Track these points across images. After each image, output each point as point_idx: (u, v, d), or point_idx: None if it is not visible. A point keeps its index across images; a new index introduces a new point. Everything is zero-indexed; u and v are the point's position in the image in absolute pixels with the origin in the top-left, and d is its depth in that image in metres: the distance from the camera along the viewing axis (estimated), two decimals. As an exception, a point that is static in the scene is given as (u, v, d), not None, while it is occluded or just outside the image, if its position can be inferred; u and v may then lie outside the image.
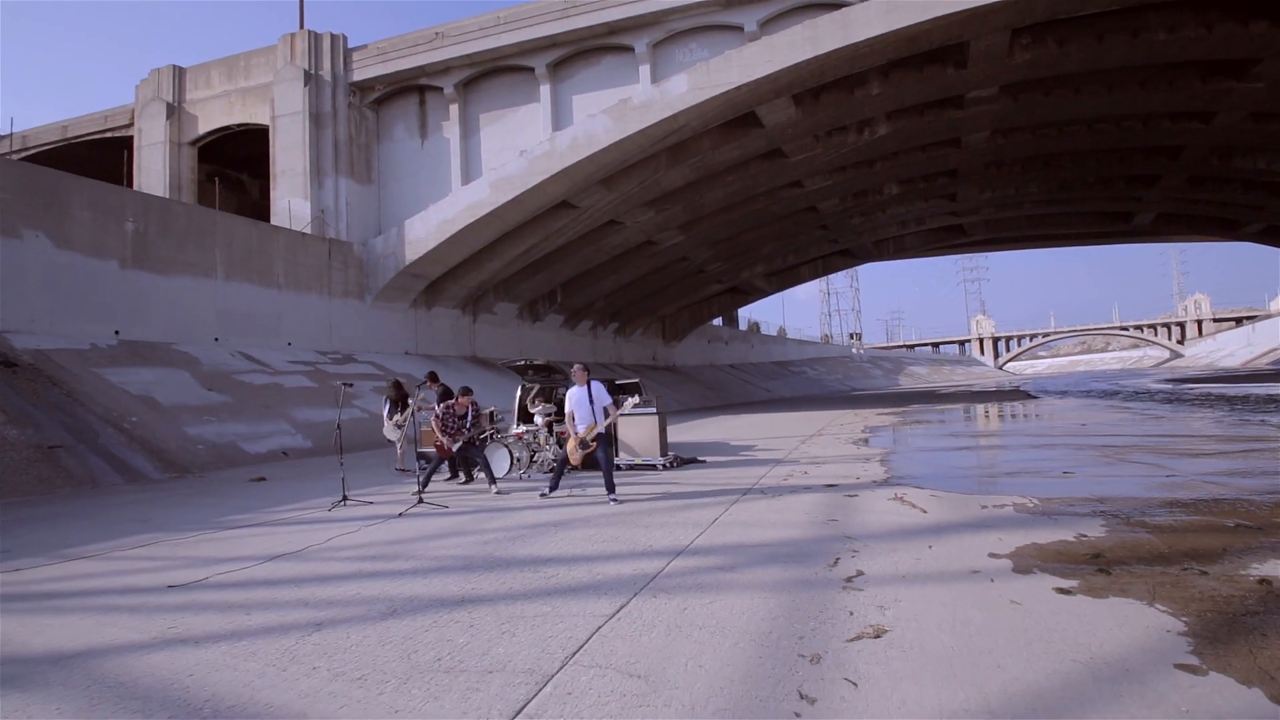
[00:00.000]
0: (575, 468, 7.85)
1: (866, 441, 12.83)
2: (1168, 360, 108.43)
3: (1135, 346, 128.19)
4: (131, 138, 25.07)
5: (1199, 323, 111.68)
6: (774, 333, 67.92)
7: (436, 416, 8.05)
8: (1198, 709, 2.35)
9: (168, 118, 23.95)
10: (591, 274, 29.38)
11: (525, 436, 9.92)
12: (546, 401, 10.84)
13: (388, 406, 10.37)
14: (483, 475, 8.29)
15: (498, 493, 7.98)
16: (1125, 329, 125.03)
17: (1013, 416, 19.23)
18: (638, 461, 10.05)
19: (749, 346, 58.50)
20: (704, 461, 10.62)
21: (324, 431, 14.54)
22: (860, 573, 4.13)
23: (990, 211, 36.11)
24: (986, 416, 19.69)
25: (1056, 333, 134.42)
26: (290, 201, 21.57)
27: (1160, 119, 23.60)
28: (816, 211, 30.49)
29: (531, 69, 21.18)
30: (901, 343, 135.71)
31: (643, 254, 29.05)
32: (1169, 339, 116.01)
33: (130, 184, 23.69)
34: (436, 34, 21.46)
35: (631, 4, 19.45)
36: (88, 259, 14.55)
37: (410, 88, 22.83)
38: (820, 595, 3.73)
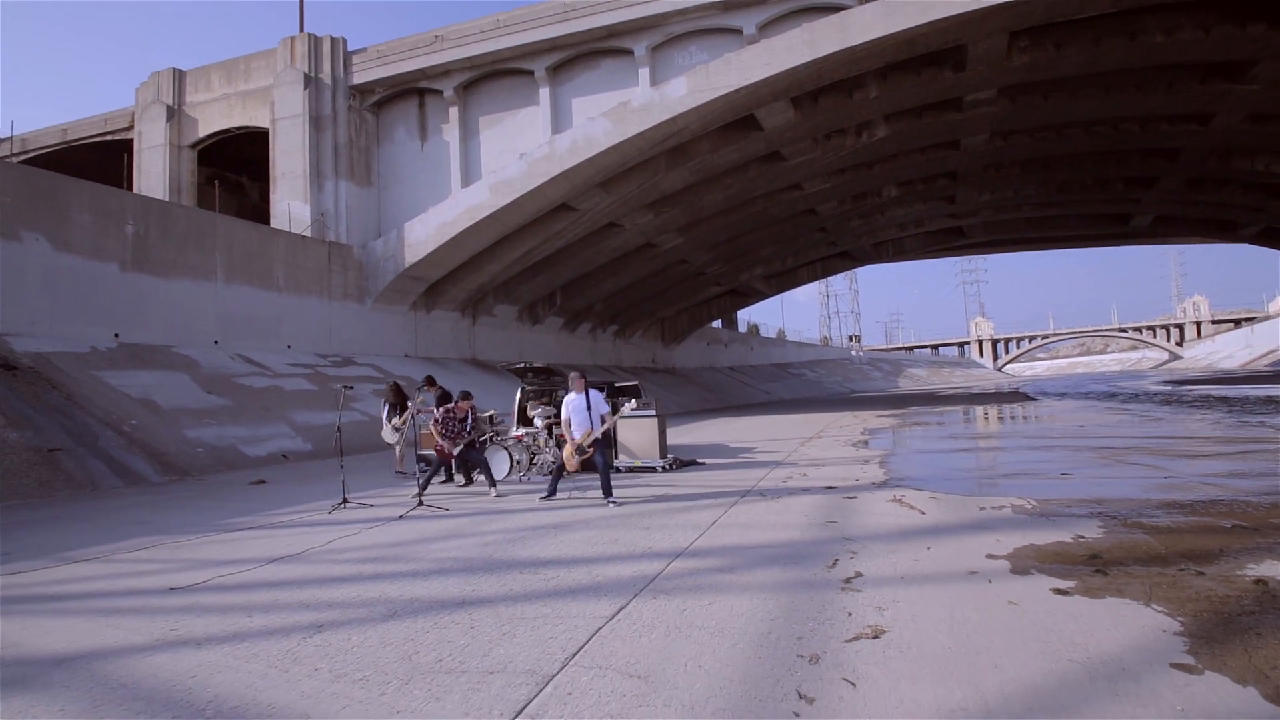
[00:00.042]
0: (573, 472, 7.88)
1: (865, 443, 12.85)
2: (1166, 362, 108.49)
3: (1134, 348, 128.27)
4: (131, 141, 25.11)
5: (1198, 324, 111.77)
6: (773, 335, 67.98)
7: (436, 420, 8.07)
8: (1193, 707, 2.37)
9: (168, 121, 23.99)
10: (591, 276, 29.42)
11: (525, 439, 9.94)
12: (546, 404, 10.85)
13: (386, 409, 10.39)
14: (482, 477, 8.31)
15: (497, 495, 7.99)
16: (1124, 331, 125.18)
17: (1011, 418, 19.25)
18: (637, 464, 10.07)
19: (748, 349, 58.53)
20: (703, 464, 10.64)
21: (324, 434, 14.55)
22: (859, 574, 4.15)
23: (989, 214, 36.18)
24: (985, 418, 19.72)
25: (1055, 335, 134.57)
26: (290, 204, 21.61)
27: (1158, 121, 23.66)
28: (815, 214, 30.54)
29: (531, 72, 21.24)
30: (901, 345, 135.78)
31: (642, 256, 29.09)
32: (1168, 341, 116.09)
33: (130, 187, 23.71)
34: (436, 37, 21.52)
35: (630, 7, 19.51)
36: (87, 262, 14.57)
37: (410, 91, 22.88)
38: (819, 596, 3.75)
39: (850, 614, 3.45)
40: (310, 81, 21.79)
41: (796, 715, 2.43)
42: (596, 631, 3.33)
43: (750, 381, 50.92)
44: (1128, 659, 2.77)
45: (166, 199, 22.48)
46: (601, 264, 28.20)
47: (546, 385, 11.52)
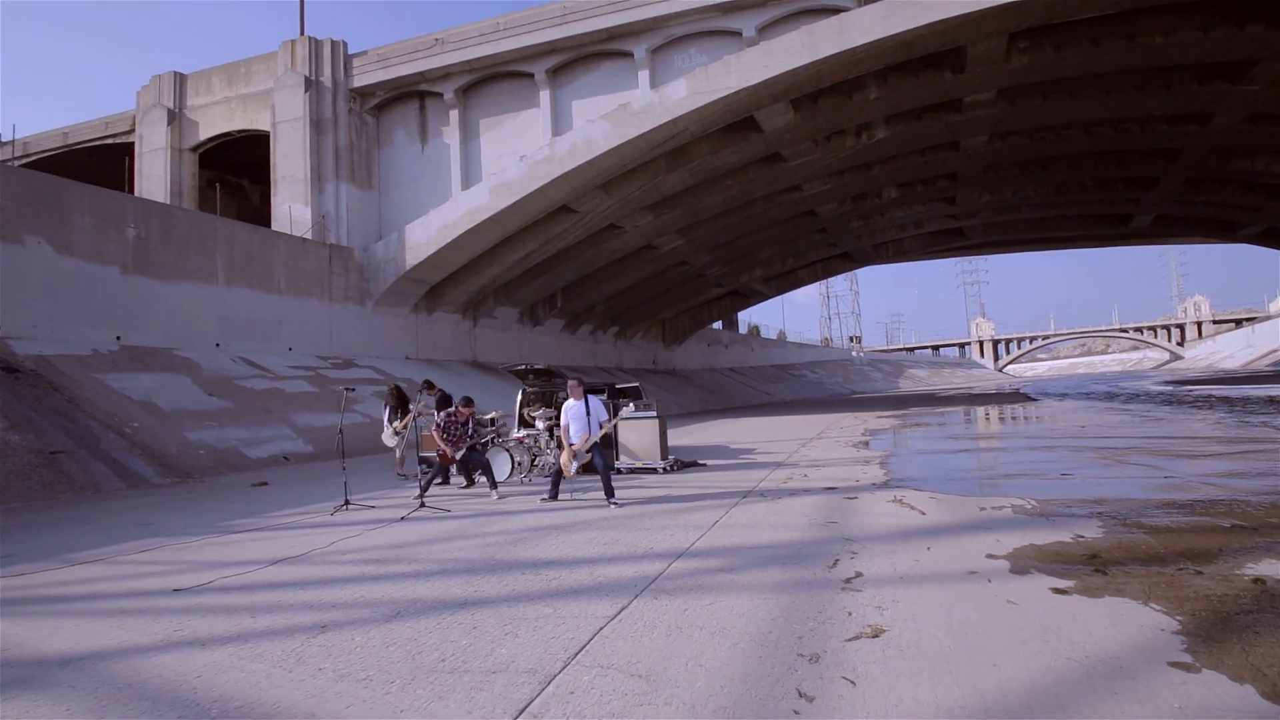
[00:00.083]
0: (570, 478, 7.92)
1: (866, 444, 12.87)
2: (1167, 362, 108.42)
3: (1135, 348, 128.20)
4: (132, 144, 25.18)
5: (1198, 324, 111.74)
6: (774, 336, 68.00)
7: (438, 426, 8.11)
8: (1190, 705, 2.39)
9: (169, 124, 24.06)
10: (591, 278, 29.45)
11: (526, 440, 9.96)
12: (547, 406, 10.88)
13: (387, 412, 10.43)
14: (483, 479, 8.34)
15: (499, 497, 8.02)
16: (1125, 331, 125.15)
17: (1012, 419, 19.27)
18: (638, 465, 10.09)
19: (749, 350, 58.56)
20: (704, 465, 10.66)
21: (325, 436, 14.57)
22: (859, 574, 4.16)
23: (989, 214, 36.18)
24: (986, 419, 19.73)
25: (1056, 335, 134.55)
26: (291, 207, 21.65)
27: (1158, 122, 23.68)
28: (815, 215, 30.57)
29: (531, 75, 21.29)
30: (901, 345, 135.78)
31: (642, 258, 29.12)
32: (1169, 341, 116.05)
33: (131, 190, 23.76)
34: (436, 40, 21.57)
35: (630, 10, 19.57)
36: (89, 265, 14.61)
37: (410, 93, 22.94)
38: (819, 596, 3.77)
39: (850, 613, 3.46)
40: (311, 85, 21.85)
41: (797, 713, 2.45)
42: (598, 631, 3.35)
43: (751, 383, 50.93)
44: (1126, 658, 2.79)
45: (167, 202, 22.54)
46: (602, 266, 28.23)
47: (547, 387, 11.54)
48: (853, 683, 2.67)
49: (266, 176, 23.27)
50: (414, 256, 21.01)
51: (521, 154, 20.53)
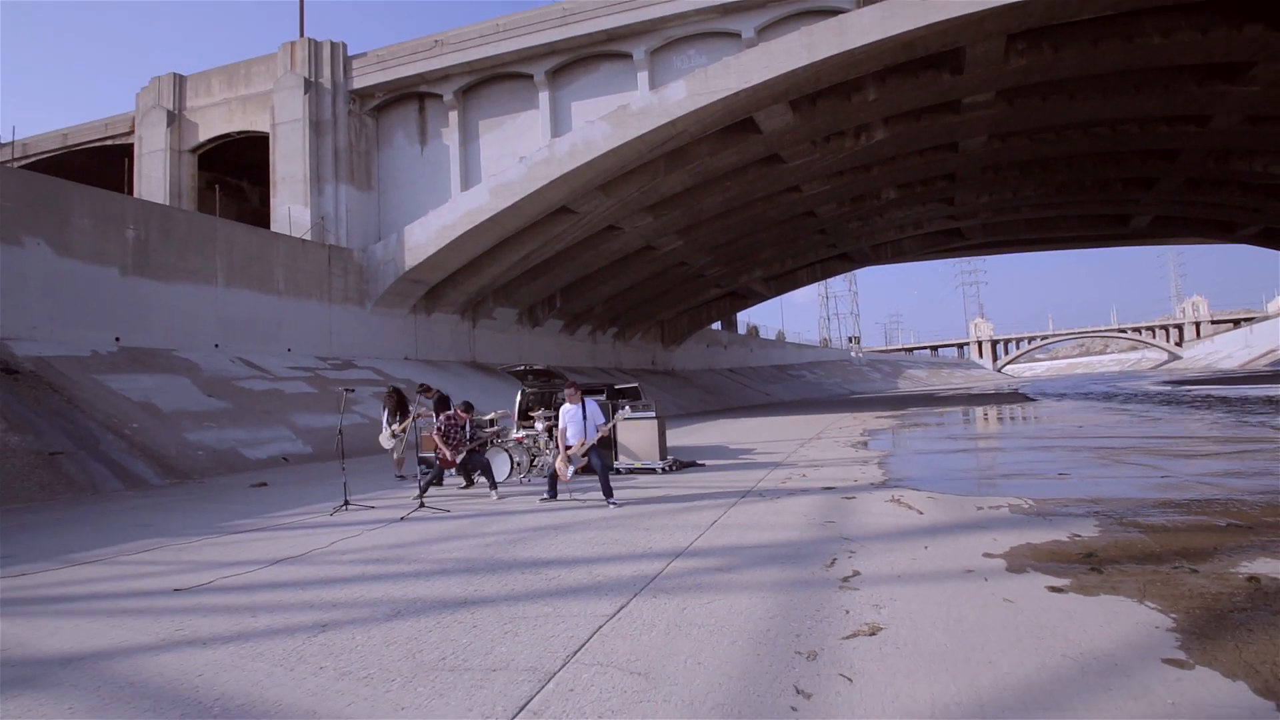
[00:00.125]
0: (566, 481, 7.94)
1: (865, 444, 12.89)
2: (1166, 362, 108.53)
3: (1133, 349, 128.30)
4: (132, 145, 25.19)
5: (1197, 325, 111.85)
6: (773, 336, 68.03)
7: (439, 430, 8.14)
8: (1183, 701, 2.42)
9: (168, 125, 24.07)
10: (590, 279, 29.47)
11: (525, 441, 9.98)
12: (546, 407, 10.90)
13: (386, 414, 10.47)
14: (482, 479, 8.36)
15: (499, 497, 8.04)
16: (1123, 331, 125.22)
17: (1010, 419, 19.30)
18: (637, 465, 10.11)
19: (748, 350, 58.59)
20: (703, 465, 10.68)
21: (324, 437, 14.59)
22: (857, 573, 4.19)
23: (988, 215, 36.23)
24: (984, 419, 19.76)
25: (1055, 335, 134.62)
26: (290, 208, 21.67)
27: (1156, 122, 23.73)
28: (814, 216, 30.61)
29: (530, 76, 21.32)
30: (900, 346, 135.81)
31: (642, 259, 29.15)
32: (1167, 341, 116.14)
33: (131, 191, 23.76)
34: (436, 42, 21.60)
35: (629, 11, 19.60)
36: (89, 266, 14.62)
37: (410, 95, 22.96)
38: (817, 595, 3.80)
39: (848, 612, 3.49)
40: (310, 86, 21.87)
41: (794, 710, 2.48)
42: (597, 630, 3.37)
43: (750, 383, 50.96)
44: (1120, 655, 2.81)
45: (167, 203, 22.55)
46: (601, 266, 28.25)
47: (547, 388, 11.56)
48: (850, 680, 2.69)
49: (266, 178, 23.29)
50: (413, 257, 21.03)
51: (521, 155, 20.56)
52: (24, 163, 27.14)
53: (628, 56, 20.32)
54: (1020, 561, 4.25)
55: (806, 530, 5.49)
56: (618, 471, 9.84)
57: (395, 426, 10.18)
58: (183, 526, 6.99)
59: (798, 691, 2.61)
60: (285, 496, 9.05)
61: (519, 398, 11.29)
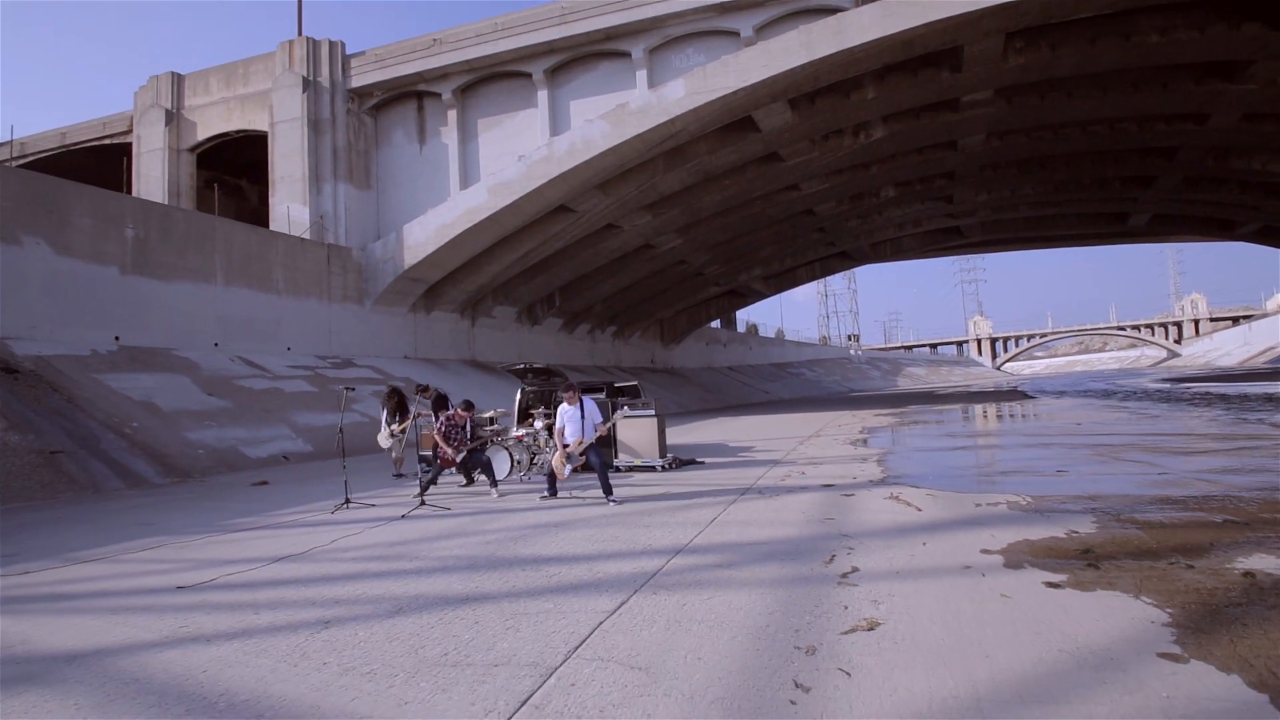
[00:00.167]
0: (564, 479, 7.96)
1: (864, 442, 12.92)
2: (1165, 360, 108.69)
3: (1133, 346, 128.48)
4: (130, 144, 25.17)
5: (1196, 322, 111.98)
6: (772, 335, 68.06)
7: (439, 431, 8.16)
8: (1177, 694, 2.44)
9: (166, 124, 24.05)
10: (590, 277, 29.48)
11: (525, 439, 10.00)
12: (545, 405, 10.92)
13: (385, 414, 10.50)
14: (482, 477, 8.38)
15: (499, 495, 8.06)
16: (1122, 329, 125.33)
17: (1009, 416, 19.34)
18: (637, 463, 10.13)
19: (747, 348, 58.61)
20: (703, 463, 10.70)
21: (324, 436, 14.60)
22: (855, 569, 4.22)
23: (987, 213, 36.26)
24: (983, 417, 19.80)
25: (1054, 333, 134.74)
26: (289, 207, 21.67)
27: (1155, 121, 23.74)
28: (814, 214, 30.62)
29: (529, 75, 21.31)
30: (899, 344, 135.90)
31: (641, 257, 29.16)
32: (1166, 339, 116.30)
33: (129, 191, 23.76)
34: (434, 40, 21.59)
35: (628, 10, 19.59)
36: (88, 265, 14.62)
37: (409, 94, 22.95)
38: (816, 591, 3.83)
39: (846, 607, 3.52)
40: (309, 85, 21.86)
41: (793, 704, 2.50)
42: (598, 626, 3.39)
43: (749, 381, 51.00)
44: (1116, 649, 2.84)
45: (165, 203, 22.54)
46: (600, 265, 28.27)
47: (546, 386, 11.58)
48: (848, 674, 2.72)
49: (264, 177, 23.28)
50: (412, 256, 21.04)
51: (520, 154, 20.56)
52: (21, 162, 27.11)
53: (626, 55, 20.32)
54: (1018, 558, 4.28)
55: (806, 527, 5.52)
56: (617, 469, 9.87)
57: (395, 426, 10.21)
58: (184, 525, 7.01)
59: (797, 685, 2.64)
60: (286, 495, 9.07)
61: (519, 396, 11.31)
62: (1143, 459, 8.65)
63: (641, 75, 20.03)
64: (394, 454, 10.55)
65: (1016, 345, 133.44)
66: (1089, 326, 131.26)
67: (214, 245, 17.45)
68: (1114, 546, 4.45)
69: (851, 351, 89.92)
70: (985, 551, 4.47)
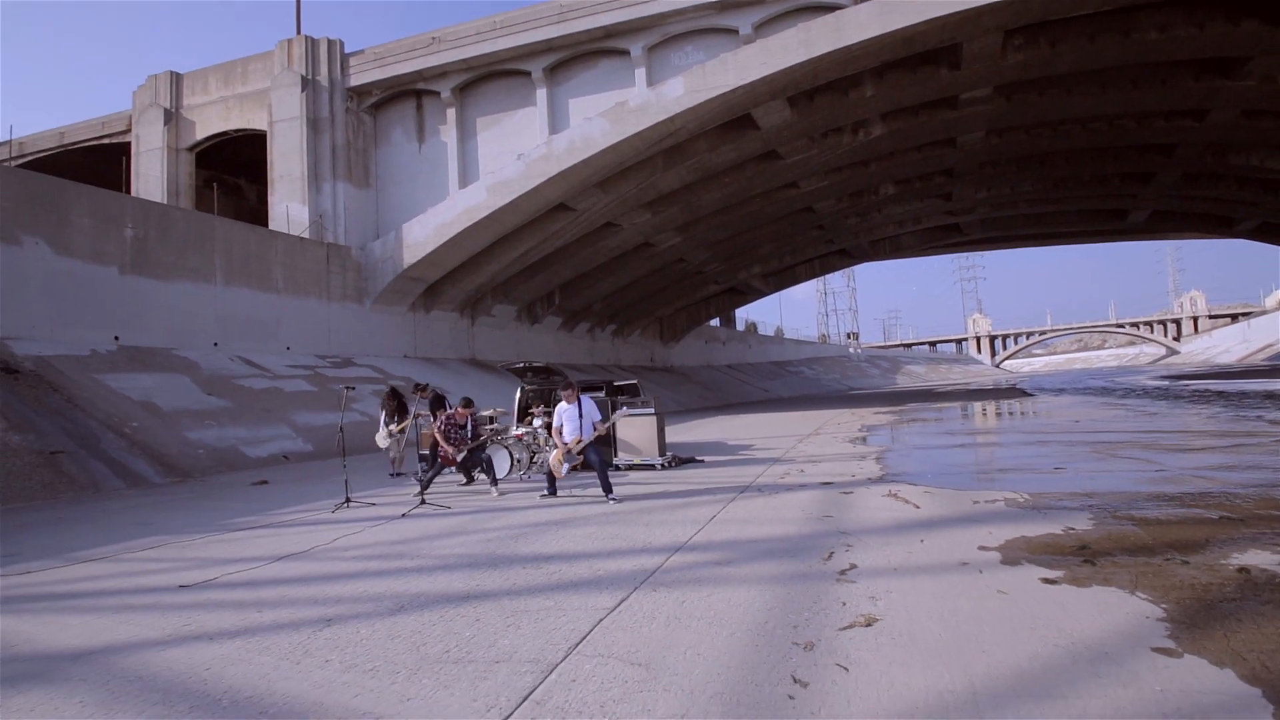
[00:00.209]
0: (561, 478, 7.98)
1: (863, 440, 12.95)
2: (1164, 357, 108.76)
3: (1132, 344, 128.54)
4: (129, 144, 25.15)
5: (1195, 319, 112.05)
6: (771, 333, 68.08)
7: (439, 430, 8.18)
8: (1171, 688, 2.47)
9: (165, 124, 24.03)
10: (589, 276, 29.50)
11: (525, 438, 10.02)
12: (545, 404, 10.94)
13: (384, 414, 10.52)
14: (482, 476, 8.40)
15: (499, 494, 8.09)
16: (1121, 326, 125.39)
17: (1008, 414, 19.37)
18: (637, 461, 10.15)
19: (746, 347, 58.64)
20: (702, 461, 10.73)
21: (324, 435, 14.63)
22: (853, 566, 4.24)
23: (986, 210, 36.28)
24: (982, 414, 19.83)
25: (1053, 330, 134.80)
26: (288, 206, 21.67)
27: (1154, 117, 23.75)
28: (813, 212, 30.63)
29: (528, 73, 21.30)
30: (899, 342, 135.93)
31: (640, 255, 29.17)
32: (1165, 336, 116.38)
33: (128, 190, 23.74)
34: (433, 39, 21.57)
35: (627, 8, 19.59)
36: (87, 265, 14.63)
37: (407, 92, 22.94)
38: (814, 587, 3.85)
39: (844, 604, 3.54)
40: (308, 84, 21.85)
41: (791, 699, 2.53)
42: (598, 623, 3.42)
43: (748, 379, 51.03)
44: (1111, 644, 2.87)
45: (164, 202, 22.53)
46: (599, 263, 28.28)
47: (546, 384, 11.60)
48: (846, 669, 2.75)
49: (263, 176, 23.27)
50: (411, 255, 21.05)
51: (519, 152, 20.56)
52: (20, 161, 27.09)
53: (625, 53, 20.31)
54: (1015, 554, 4.31)
55: (804, 525, 5.55)
56: (616, 468, 9.90)
57: (393, 426, 10.23)
58: (185, 524, 7.03)
59: (795, 681, 2.66)
60: (286, 494, 9.09)
61: (518, 395, 11.33)
62: (1140, 456, 8.68)
63: (641, 73, 20.03)
64: (391, 454, 10.57)
65: (1015, 343, 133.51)
66: (1088, 324, 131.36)
67: (213, 245, 17.46)
68: (1110, 543, 4.47)
69: (851, 350, 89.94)
70: (983, 548, 4.50)
